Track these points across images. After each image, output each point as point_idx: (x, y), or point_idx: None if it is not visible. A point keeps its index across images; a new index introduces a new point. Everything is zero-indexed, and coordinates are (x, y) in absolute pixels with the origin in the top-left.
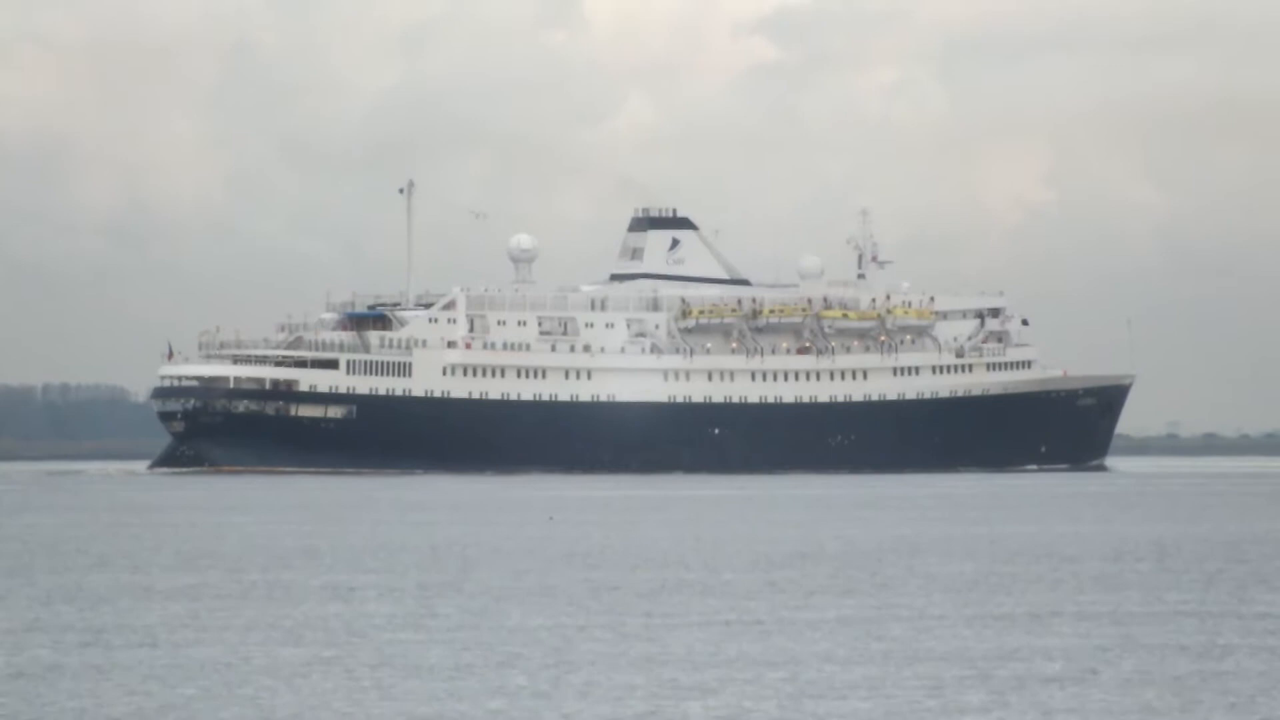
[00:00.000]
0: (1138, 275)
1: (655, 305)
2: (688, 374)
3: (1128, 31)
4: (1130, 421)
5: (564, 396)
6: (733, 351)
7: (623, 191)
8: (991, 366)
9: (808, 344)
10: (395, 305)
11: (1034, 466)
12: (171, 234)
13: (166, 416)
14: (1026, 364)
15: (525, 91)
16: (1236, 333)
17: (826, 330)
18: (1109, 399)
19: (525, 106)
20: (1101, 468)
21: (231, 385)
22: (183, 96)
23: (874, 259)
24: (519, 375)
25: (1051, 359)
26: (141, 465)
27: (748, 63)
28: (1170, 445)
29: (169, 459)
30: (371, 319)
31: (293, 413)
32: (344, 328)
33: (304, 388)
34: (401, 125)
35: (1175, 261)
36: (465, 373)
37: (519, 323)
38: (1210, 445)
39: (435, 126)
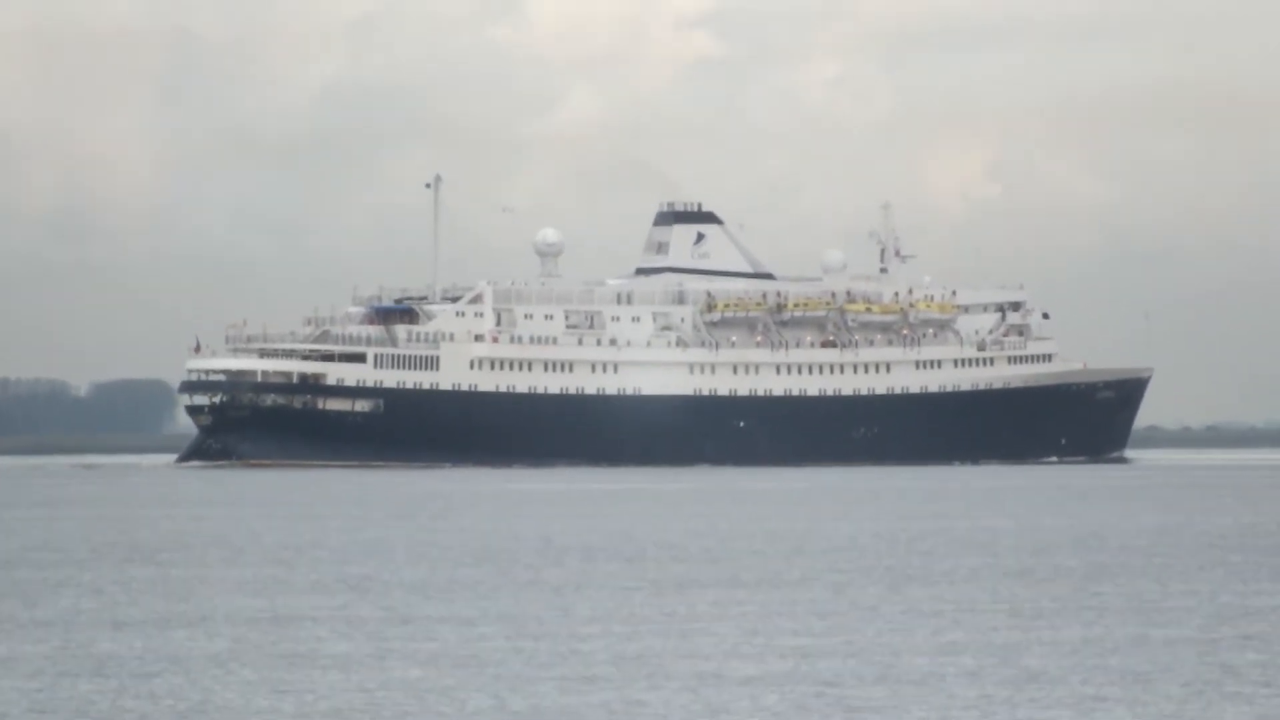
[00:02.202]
0: (1082, 265)
1: (681, 299)
2: (713, 367)
3: (1071, 24)
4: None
5: (590, 390)
6: (757, 345)
7: (565, 185)
8: (1012, 360)
9: (832, 337)
10: (422, 299)
11: (1054, 459)
12: (110, 228)
13: (194, 410)
14: (1047, 357)
15: (468, 84)
16: (1183, 323)
17: (850, 324)
18: (1128, 391)
19: (468, 99)
20: (1122, 460)
21: (259, 379)
22: (124, 86)
23: (896, 253)
24: (546, 369)
25: (1072, 352)
26: (89, 459)
27: (691, 56)
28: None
29: (196, 452)
30: (398, 312)
31: (320, 406)
32: (370, 321)
33: (331, 381)
34: (344, 118)
35: (1118, 251)
36: (492, 366)
37: (546, 316)
38: (1151, 438)
39: (378, 119)
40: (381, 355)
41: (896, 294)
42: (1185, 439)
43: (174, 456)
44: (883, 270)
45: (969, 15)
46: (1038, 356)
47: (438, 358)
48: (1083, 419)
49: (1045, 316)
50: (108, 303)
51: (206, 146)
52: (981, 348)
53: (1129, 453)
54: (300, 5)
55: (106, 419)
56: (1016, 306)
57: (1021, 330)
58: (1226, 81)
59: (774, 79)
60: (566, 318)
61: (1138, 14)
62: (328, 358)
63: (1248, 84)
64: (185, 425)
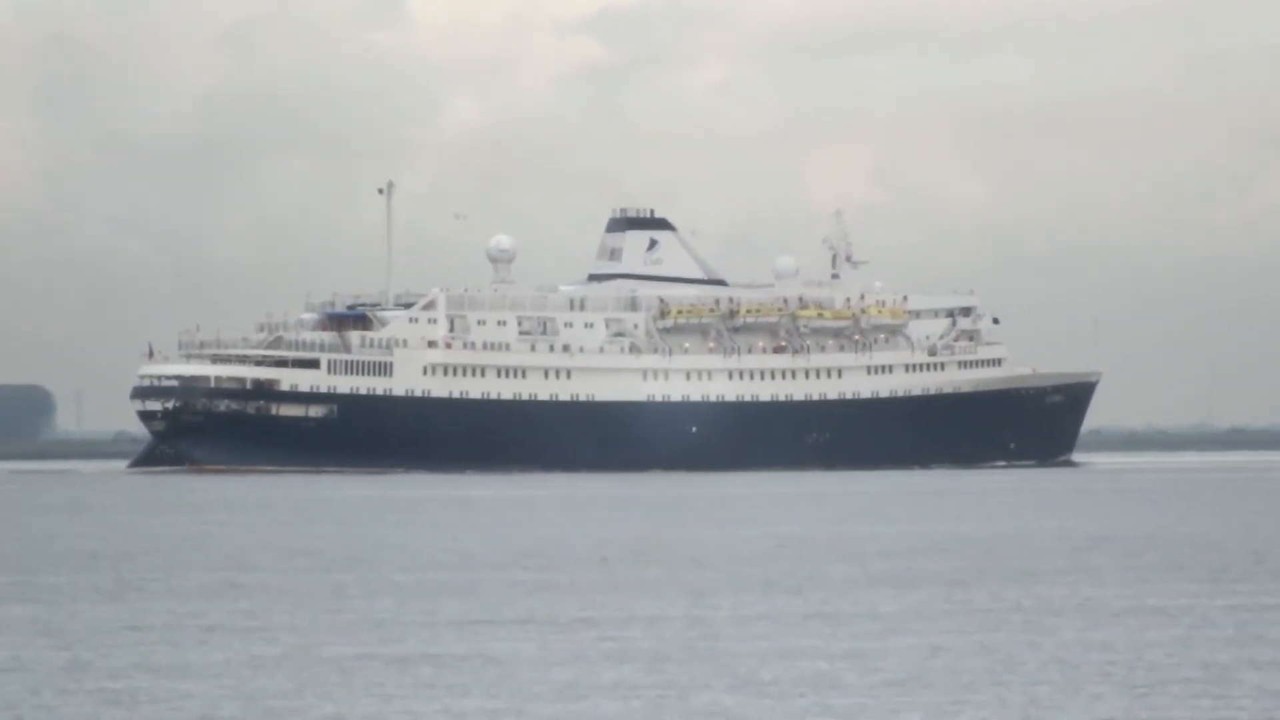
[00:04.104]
0: (968, 272)
1: (633, 305)
2: (666, 373)
3: (955, 31)
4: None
5: (544, 395)
6: (710, 351)
7: (443, 191)
8: (963, 364)
9: (784, 343)
10: (375, 305)
11: (1003, 463)
12: None
13: (147, 416)
14: (997, 362)
15: (348, 91)
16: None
17: (802, 329)
18: (1076, 396)
19: (348, 106)
20: (1069, 463)
21: (212, 384)
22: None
23: (848, 259)
24: (499, 375)
25: (1022, 357)
26: None
27: (573, 62)
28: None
29: (149, 458)
30: (352, 319)
31: (274, 412)
32: (324, 327)
33: (285, 387)
34: (224, 125)
35: (1002, 259)
36: (446, 372)
37: (499, 322)
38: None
39: (258, 126)
40: (335, 361)
41: (848, 300)
42: (1134, 442)
43: (125, 462)
44: (834, 276)
45: (856, 20)
46: (988, 361)
47: (391, 364)
48: (1031, 423)
49: (995, 321)
50: None
51: (85, 153)
52: (932, 353)
53: (1077, 456)
54: (178, 10)
55: None
56: (967, 312)
57: (972, 335)
58: (1110, 90)
59: (657, 83)
60: (519, 324)
61: (1026, 22)
62: (281, 363)
63: (1130, 93)
64: (64, 431)
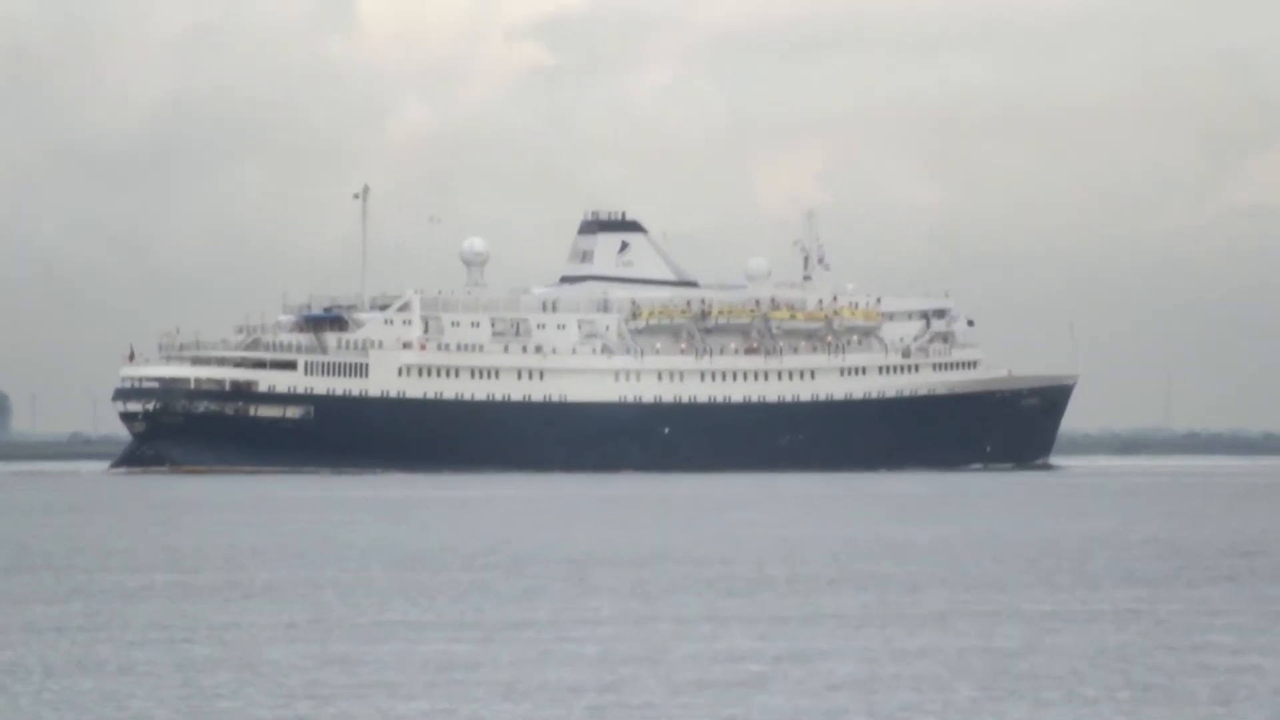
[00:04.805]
0: (916, 274)
1: (606, 307)
2: (638, 374)
3: (902, 33)
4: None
5: (517, 396)
6: (682, 352)
7: (399, 197)
8: (937, 367)
9: (755, 345)
10: (351, 307)
11: (979, 465)
12: None
13: (128, 417)
14: (972, 364)
15: (300, 97)
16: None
17: (774, 331)
18: (1052, 399)
19: (300, 113)
20: (1047, 466)
21: (192, 386)
22: None
23: (820, 260)
24: (473, 376)
25: (997, 359)
26: None
27: (522, 67)
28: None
29: (130, 459)
30: (328, 321)
31: (252, 413)
32: (301, 329)
33: (263, 388)
34: (177, 132)
35: (952, 262)
36: (420, 373)
37: (472, 324)
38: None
39: (211, 133)
40: (312, 363)
41: (820, 301)
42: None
43: (106, 463)
44: (806, 278)
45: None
46: (963, 363)
47: (367, 365)
48: (1008, 426)
49: (970, 324)
50: None
51: (40, 161)
52: (906, 355)
53: (1054, 459)
54: (131, 18)
55: None
56: (941, 314)
57: (946, 337)
58: (1063, 92)
59: (604, 88)
60: (493, 325)
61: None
62: (259, 365)
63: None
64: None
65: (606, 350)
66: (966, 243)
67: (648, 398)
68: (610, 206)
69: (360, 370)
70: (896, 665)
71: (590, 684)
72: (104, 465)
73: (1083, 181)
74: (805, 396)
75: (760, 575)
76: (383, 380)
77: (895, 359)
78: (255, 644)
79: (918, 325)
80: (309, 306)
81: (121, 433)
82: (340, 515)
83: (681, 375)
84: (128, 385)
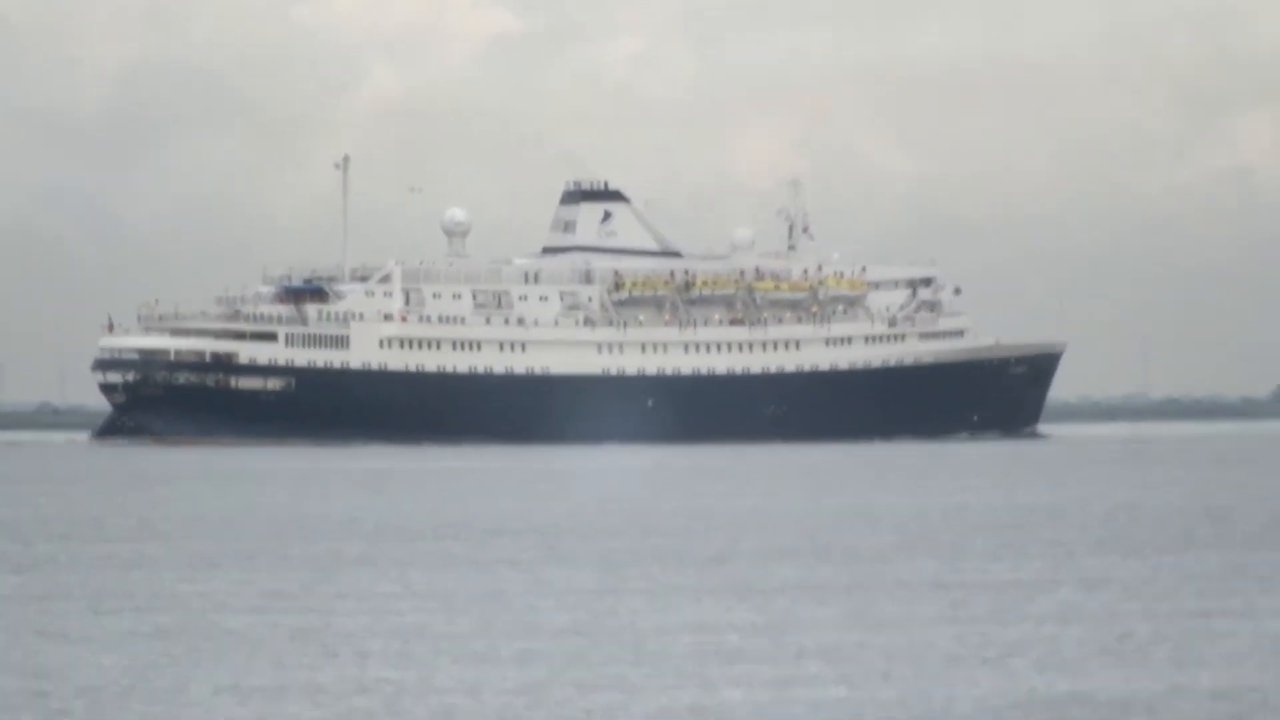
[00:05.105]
0: (894, 241)
1: (588, 278)
2: (621, 346)
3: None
4: None
5: (499, 369)
6: (666, 323)
7: (374, 165)
8: (924, 336)
9: (740, 315)
10: (331, 279)
11: (967, 435)
12: None
13: (108, 388)
14: (959, 333)
15: (270, 64)
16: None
17: (759, 301)
18: (1040, 367)
19: (270, 79)
20: (1035, 435)
21: (172, 357)
22: None
23: (805, 230)
24: (454, 348)
25: (981, 326)
26: None
27: (489, 33)
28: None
29: (110, 429)
30: (309, 292)
31: (233, 385)
32: (281, 300)
33: (243, 360)
34: (146, 99)
35: (933, 230)
36: (402, 345)
37: (454, 296)
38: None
39: (181, 100)
40: (292, 334)
41: (805, 271)
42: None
43: (85, 433)
44: (791, 247)
45: None
46: (949, 332)
47: (348, 337)
48: (995, 395)
49: (957, 292)
50: None
51: (5, 128)
52: (892, 324)
53: (1042, 428)
54: None
55: None
56: (928, 282)
57: (933, 306)
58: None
59: (575, 55)
60: (474, 297)
61: None
62: (239, 336)
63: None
64: None
65: (589, 322)
66: (946, 208)
67: (631, 370)
68: (588, 175)
69: (341, 342)
70: (869, 634)
71: (558, 653)
72: (72, 435)
73: (1055, 143)
74: (791, 367)
75: (730, 547)
76: (364, 352)
77: (881, 329)
78: (219, 613)
79: (904, 294)
80: (289, 278)
81: (91, 403)
82: (318, 487)
83: (665, 347)
84: (107, 356)
